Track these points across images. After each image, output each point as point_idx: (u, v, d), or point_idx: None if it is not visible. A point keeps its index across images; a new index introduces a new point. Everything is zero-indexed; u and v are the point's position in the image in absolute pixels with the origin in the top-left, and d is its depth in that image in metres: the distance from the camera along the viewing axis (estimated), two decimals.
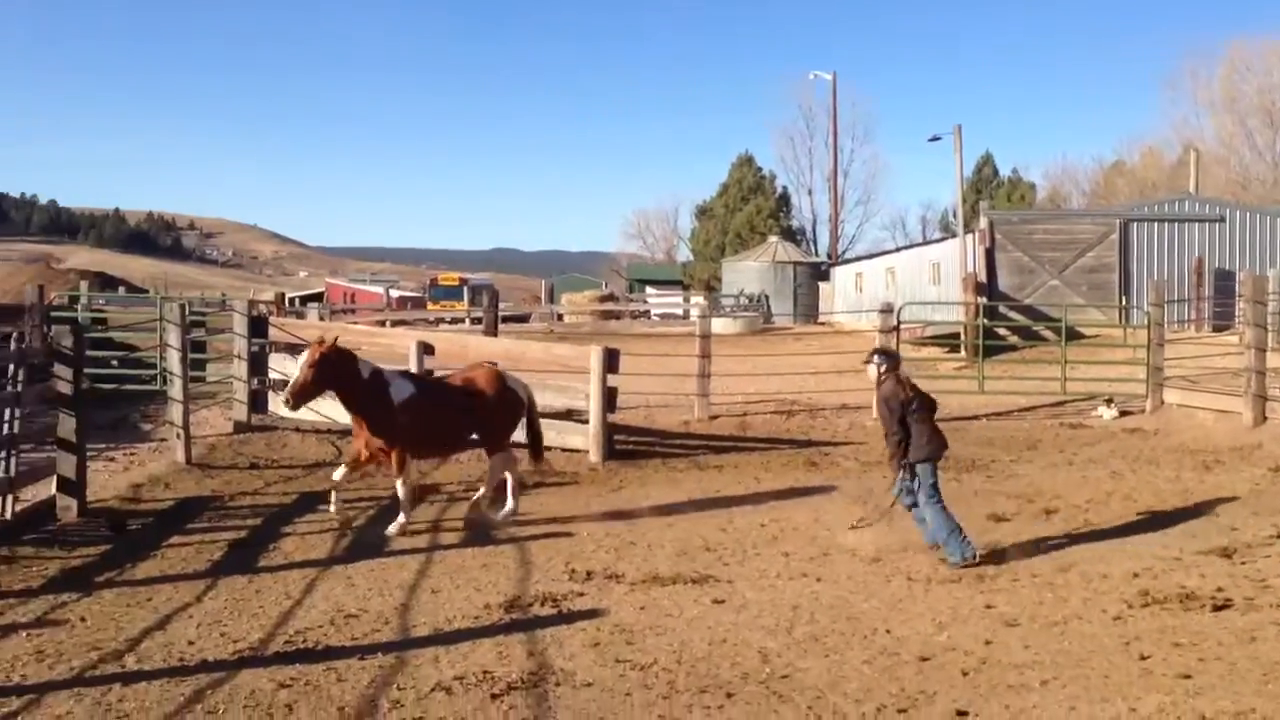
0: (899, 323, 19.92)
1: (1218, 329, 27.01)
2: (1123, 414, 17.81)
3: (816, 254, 62.11)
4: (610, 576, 8.69)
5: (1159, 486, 12.30)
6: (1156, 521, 10.52)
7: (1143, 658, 6.71)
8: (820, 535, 10.18)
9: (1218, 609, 7.60)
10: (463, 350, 17.36)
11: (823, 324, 40.13)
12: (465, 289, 50.71)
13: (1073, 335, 23.03)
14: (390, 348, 17.01)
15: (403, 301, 51.54)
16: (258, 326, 16.12)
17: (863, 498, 12.03)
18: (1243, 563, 8.82)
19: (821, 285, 47.32)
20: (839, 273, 46.89)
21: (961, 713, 5.95)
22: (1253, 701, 5.94)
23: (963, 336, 25.11)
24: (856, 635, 7.26)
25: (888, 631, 7.34)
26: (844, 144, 67.53)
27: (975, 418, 17.86)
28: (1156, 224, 31.55)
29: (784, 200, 72.31)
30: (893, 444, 9.28)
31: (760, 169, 72.17)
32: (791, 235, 65.93)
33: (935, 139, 34.56)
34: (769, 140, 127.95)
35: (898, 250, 45.79)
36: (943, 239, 39.82)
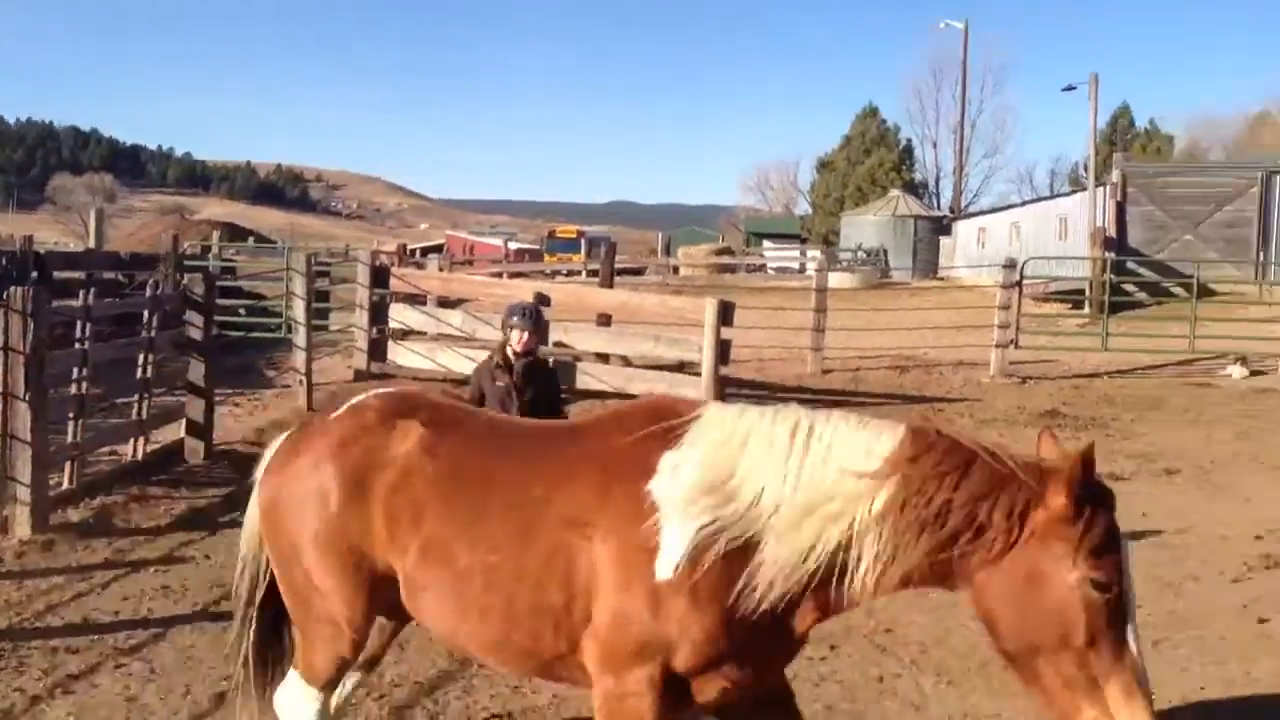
0: (1022, 278, 19.42)
1: None
2: (1254, 374, 17.12)
3: (939, 208, 60.71)
4: None
5: None
6: None
7: (1261, 620, 6.51)
8: None
9: None
10: (579, 302, 17.52)
11: (942, 279, 39.35)
12: (582, 242, 51.02)
13: (1205, 292, 22.14)
14: (507, 299, 17.25)
15: (520, 254, 52.10)
16: (379, 277, 16.48)
17: None
18: None
19: (943, 240, 46.30)
20: (961, 227, 45.81)
21: None
22: None
23: (1088, 293, 24.38)
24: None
25: None
26: (973, 95, 65.41)
27: (1097, 375, 17.39)
28: None
29: (907, 153, 70.66)
30: None
31: (884, 121, 70.57)
32: (914, 189, 64.40)
33: (1070, 89, 33.32)
34: (894, 91, 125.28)
35: (1024, 204, 44.48)
36: (1072, 193, 38.53)
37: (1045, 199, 43.80)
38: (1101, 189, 30.22)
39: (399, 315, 16.39)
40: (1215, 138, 65.61)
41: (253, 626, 4.22)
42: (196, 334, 10.90)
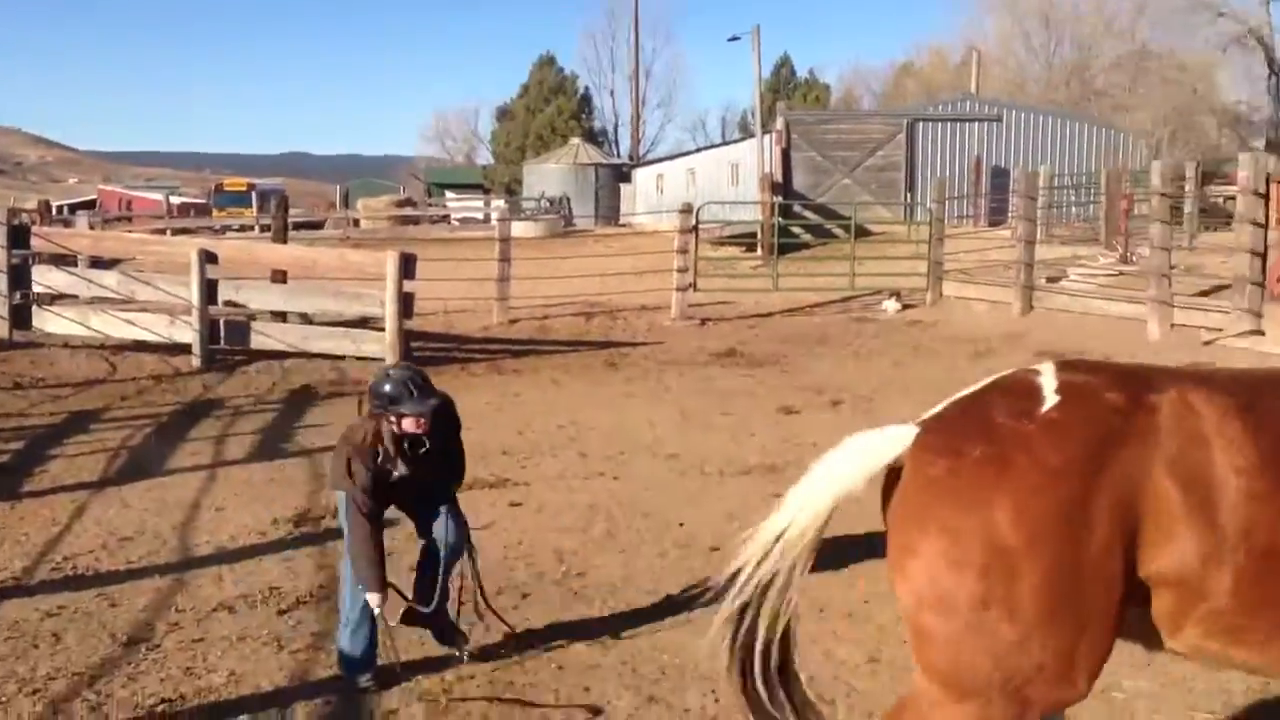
0: (698, 223, 20.12)
1: (993, 224, 28.39)
2: (906, 307, 18.59)
3: (618, 156, 61.97)
4: None
5: (936, 375, 12.90)
6: (933, 407, 11.02)
7: None
8: (618, 435, 10.25)
9: None
10: (251, 258, 16.64)
11: (624, 226, 40.24)
12: (253, 195, 48.35)
13: (862, 232, 23.80)
14: (168, 257, 16.16)
15: (185, 209, 48.80)
16: (19, 236, 15.00)
17: (660, 395, 12.20)
18: None
19: (623, 187, 47.29)
20: (640, 174, 46.96)
21: None
22: None
23: (759, 236, 25.60)
24: (650, 531, 7.37)
25: (680, 525, 7.48)
26: (646, 44, 67.22)
27: (770, 314, 18.32)
28: (939, 123, 32.78)
29: (586, 101, 71.69)
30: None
31: (561, 69, 71.21)
32: (593, 137, 65.53)
33: (734, 39, 34.79)
34: (571, 40, 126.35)
35: (698, 151, 46.13)
36: (741, 140, 40.29)
37: (718, 146, 45.58)
38: (768, 136, 31.76)
39: (44, 278, 15.00)
40: (866, 87, 70.53)
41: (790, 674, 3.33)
42: None
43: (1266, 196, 13.61)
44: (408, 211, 43.46)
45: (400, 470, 5.16)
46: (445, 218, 44.22)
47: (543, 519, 7.66)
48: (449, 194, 56.88)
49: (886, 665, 5.19)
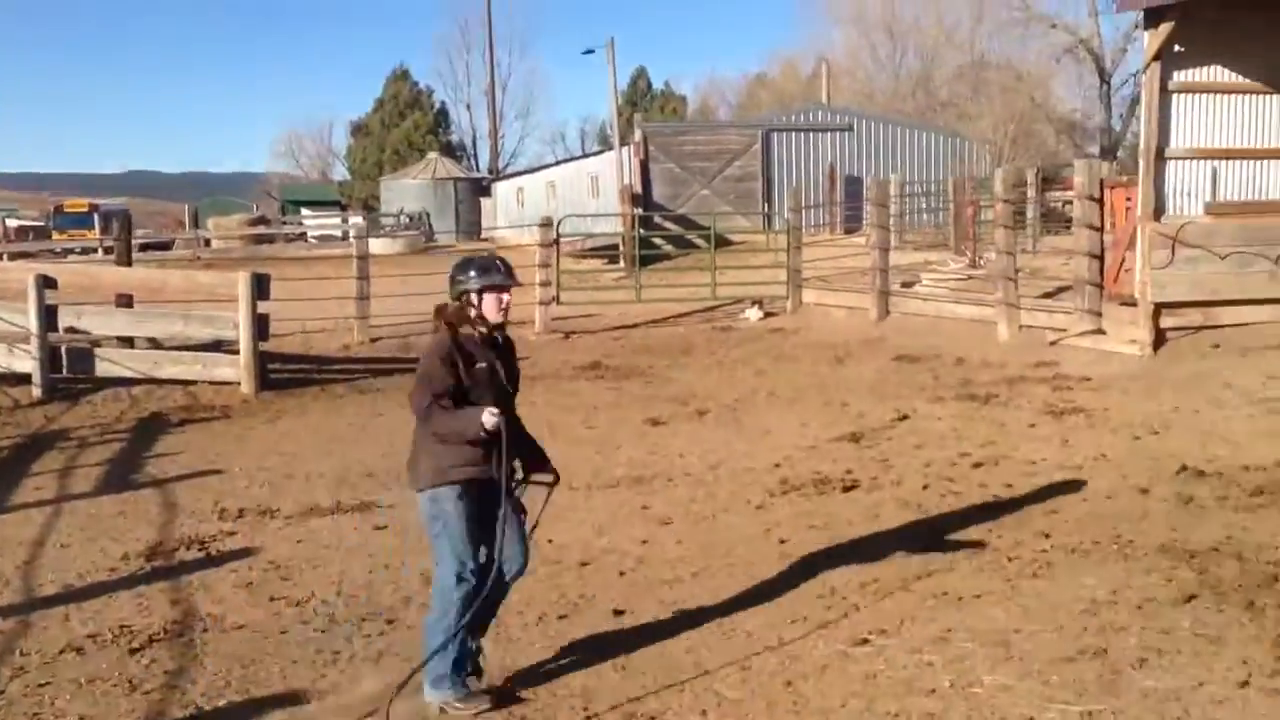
0: (559, 236, 20.10)
1: (849, 231, 29.12)
2: (767, 315, 18.88)
3: (478, 170, 61.58)
4: (264, 512, 8.32)
5: (798, 381, 13.17)
6: (796, 413, 11.26)
7: (782, 541, 7.17)
8: None
9: (847, 490, 8.25)
10: (93, 283, 16.03)
11: (486, 240, 39.95)
12: (96, 216, 46.38)
13: (722, 242, 24.12)
14: (3, 283, 15.45)
15: (23, 232, 46.54)
16: None
17: (525, 410, 12.12)
18: (869, 446, 9.60)
19: (483, 201, 46.98)
20: (500, 188, 46.73)
21: (619, 611, 6.14)
22: (876, 572, 6.48)
23: (621, 247, 25.72)
24: None
25: (550, 541, 7.43)
26: (501, 57, 67.11)
27: (635, 326, 18.39)
28: (793, 134, 33.52)
29: (443, 115, 71.05)
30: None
31: (417, 83, 70.41)
32: (451, 151, 64.97)
33: (589, 52, 34.99)
34: (425, 54, 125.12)
35: (558, 164, 46.14)
36: (600, 152, 40.47)
37: (577, 158, 45.66)
38: (626, 148, 32.01)
39: None
40: (722, 98, 71.58)
41: None
42: None
43: (1101, 201, 14.26)
44: (262, 230, 42.31)
45: (484, 361, 5.03)
46: (302, 235, 43.23)
47: (409, 541, 7.51)
48: (305, 211, 55.58)
49: (755, 673, 5.24)
